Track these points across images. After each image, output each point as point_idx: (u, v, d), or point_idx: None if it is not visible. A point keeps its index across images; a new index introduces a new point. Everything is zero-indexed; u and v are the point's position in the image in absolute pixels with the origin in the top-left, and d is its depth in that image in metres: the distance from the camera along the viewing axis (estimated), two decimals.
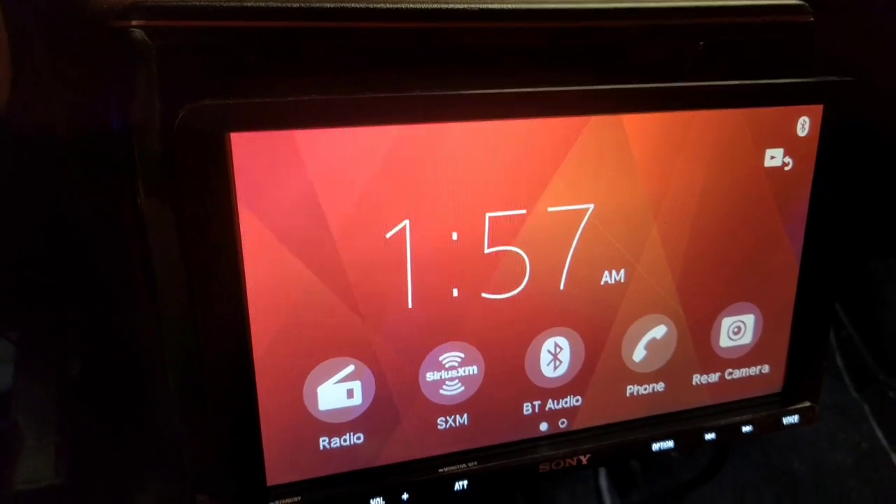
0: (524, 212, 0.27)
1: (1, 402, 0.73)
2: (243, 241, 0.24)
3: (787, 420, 0.33)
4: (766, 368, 0.33)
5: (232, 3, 0.26)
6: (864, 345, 1.00)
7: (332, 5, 0.27)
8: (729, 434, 0.32)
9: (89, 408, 0.72)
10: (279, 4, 0.27)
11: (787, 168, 0.30)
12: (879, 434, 0.94)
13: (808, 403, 0.34)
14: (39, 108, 0.27)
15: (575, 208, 0.28)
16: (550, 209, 0.28)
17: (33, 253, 0.36)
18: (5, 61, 0.26)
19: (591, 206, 0.28)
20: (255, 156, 0.24)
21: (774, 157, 0.30)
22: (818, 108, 0.30)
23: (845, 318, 1.02)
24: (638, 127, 0.28)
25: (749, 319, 0.32)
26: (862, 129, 0.31)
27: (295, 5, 0.27)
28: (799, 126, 0.30)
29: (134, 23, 0.26)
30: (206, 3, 0.26)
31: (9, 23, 0.26)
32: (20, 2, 0.26)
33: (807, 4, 0.33)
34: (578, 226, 0.28)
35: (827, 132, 0.30)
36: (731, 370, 0.33)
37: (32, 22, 0.26)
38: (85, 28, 0.27)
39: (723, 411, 0.33)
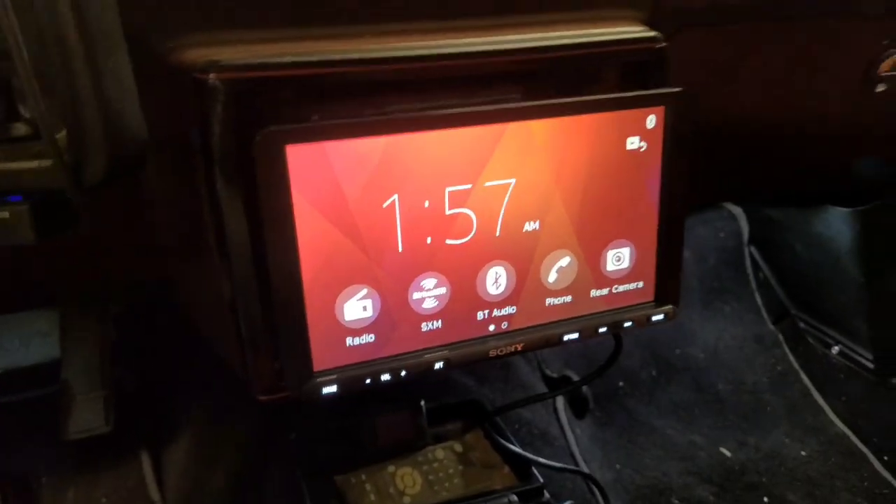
0: (470, 186, 0.43)
1: (53, 367, 0.88)
2: (295, 210, 0.39)
3: (654, 318, 0.49)
4: (640, 284, 0.49)
5: (273, 60, 0.41)
6: (778, 284, 1.18)
7: (338, 57, 0.42)
8: (615, 328, 0.48)
9: (129, 363, 0.87)
10: (303, 59, 0.41)
11: (642, 150, 0.46)
12: (791, 358, 1.13)
13: (670, 306, 0.50)
14: (155, 130, 0.41)
15: (503, 182, 0.43)
16: (487, 184, 0.43)
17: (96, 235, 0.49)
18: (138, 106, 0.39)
19: (514, 180, 0.43)
20: (301, 158, 0.38)
21: (633, 143, 0.46)
22: (661, 109, 0.46)
23: (762, 261, 1.21)
24: (541, 127, 0.43)
25: (626, 251, 0.48)
26: (689, 121, 0.46)
27: (314, 59, 0.41)
28: (648, 121, 0.46)
29: (211, 75, 0.40)
30: (257, 62, 0.40)
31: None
32: (142, 67, 0.39)
33: (660, 35, 0.49)
34: (506, 194, 0.44)
35: (667, 124, 0.46)
36: (616, 286, 0.49)
37: (147, 76, 0.40)
38: (177, 79, 0.41)
39: (612, 314, 0.49)
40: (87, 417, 0.80)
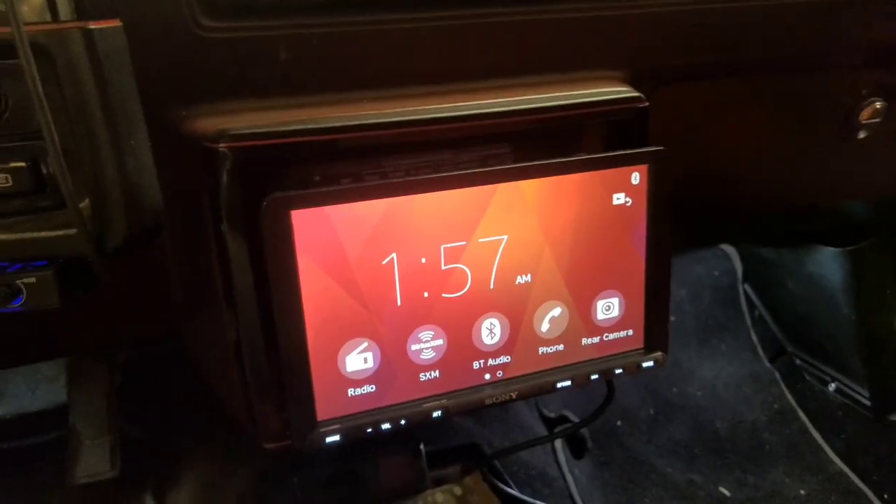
0: (465, 243, 0.45)
1: (59, 412, 0.89)
2: (300, 270, 0.41)
3: (645, 364, 0.51)
4: (630, 332, 0.51)
5: (278, 128, 0.44)
6: (773, 322, 1.20)
7: (337, 124, 0.44)
8: (607, 375, 0.50)
9: (135, 409, 0.88)
10: (306, 126, 0.44)
11: (628, 205, 0.49)
12: (789, 396, 1.13)
13: (659, 353, 0.52)
14: (167, 195, 0.44)
15: (496, 238, 0.46)
16: (481, 240, 0.45)
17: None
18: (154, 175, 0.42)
19: (506, 236, 0.46)
20: (305, 222, 0.41)
21: (619, 199, 0.48)
22: (644, 167, 0.48)
23: (756, 299, 1.22)
24: (531, 186, 0.46)
25: (615, 301, 0.50)
26: (671, 177, 0.49)
27: (315, 126, 0.44)
28: (633, 178, 0.48)
29: (221, 144, 0.43)
30: (263, 130, 0.43)
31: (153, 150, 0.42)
32: (158, 138, 0.42)
33: (642, 95, 0.52)
34: (498, 249, 0.46)
35: (651, 181, 0.49)
36: (607, 334, 0.51)
37: (161, 147, 0.43)
38: (188, 148, 0.44)
39: (603, 361, 0.51)
40: (94, 463, 0.81)
